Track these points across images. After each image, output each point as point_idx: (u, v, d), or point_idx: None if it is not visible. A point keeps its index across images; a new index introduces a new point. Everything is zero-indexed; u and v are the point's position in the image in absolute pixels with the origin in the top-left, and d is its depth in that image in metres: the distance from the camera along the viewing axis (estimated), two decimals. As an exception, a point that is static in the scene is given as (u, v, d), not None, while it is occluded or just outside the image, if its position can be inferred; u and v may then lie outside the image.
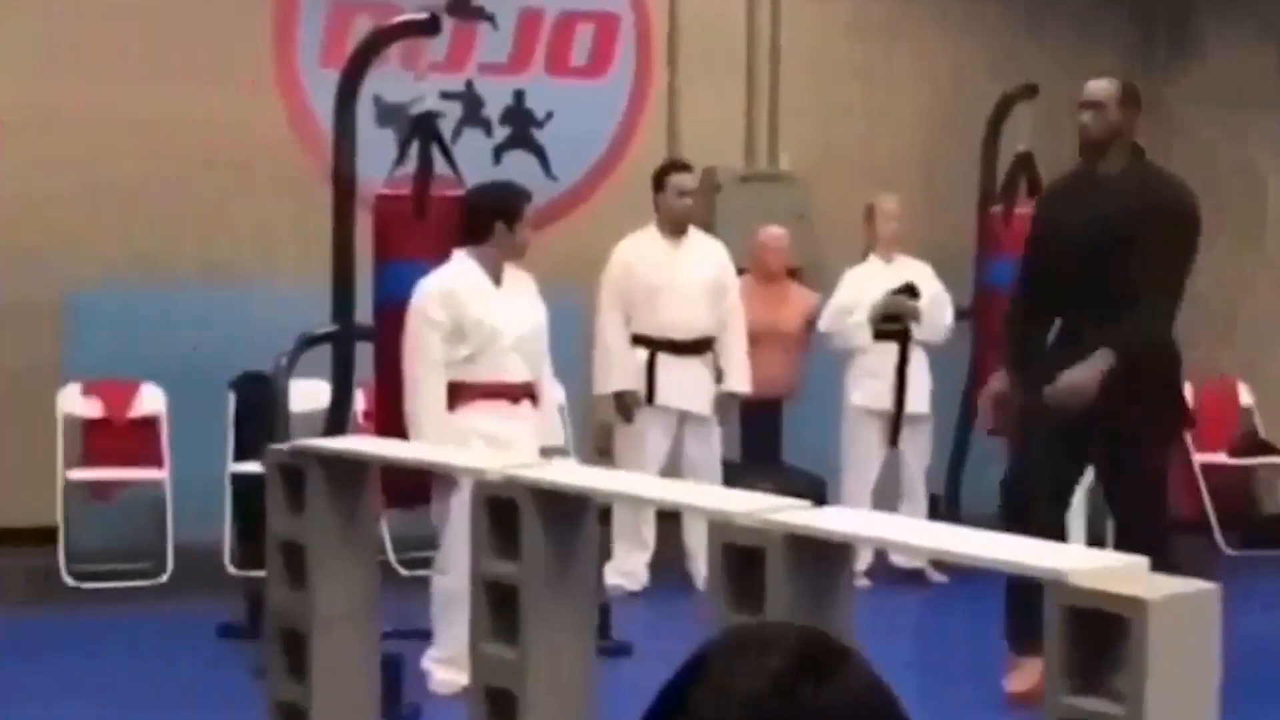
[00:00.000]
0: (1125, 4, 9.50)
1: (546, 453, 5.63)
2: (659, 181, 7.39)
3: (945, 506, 7.98)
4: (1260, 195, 9.06)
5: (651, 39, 8.82)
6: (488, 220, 5.72)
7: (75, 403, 7.63)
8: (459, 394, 5.69)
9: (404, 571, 7.22)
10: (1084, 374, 5.38)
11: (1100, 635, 2.80)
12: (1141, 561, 3.02)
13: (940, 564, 7.44)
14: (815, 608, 3.26)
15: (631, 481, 3.81)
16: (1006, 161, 7.98)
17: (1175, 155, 7.46)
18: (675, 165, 7.60)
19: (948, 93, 9.05)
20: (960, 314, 8.09)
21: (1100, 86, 5.61)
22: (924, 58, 9.15)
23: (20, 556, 7.45)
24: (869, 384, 7.61)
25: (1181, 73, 9.31)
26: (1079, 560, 3.09)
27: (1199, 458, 8.53)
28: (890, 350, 7.61)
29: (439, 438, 5.54)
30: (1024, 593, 4.70)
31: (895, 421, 7.61)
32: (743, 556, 3.32)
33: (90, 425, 7.66)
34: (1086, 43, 9.24)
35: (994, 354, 7.97)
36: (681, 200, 7.38)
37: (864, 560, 7.19)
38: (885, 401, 7.62)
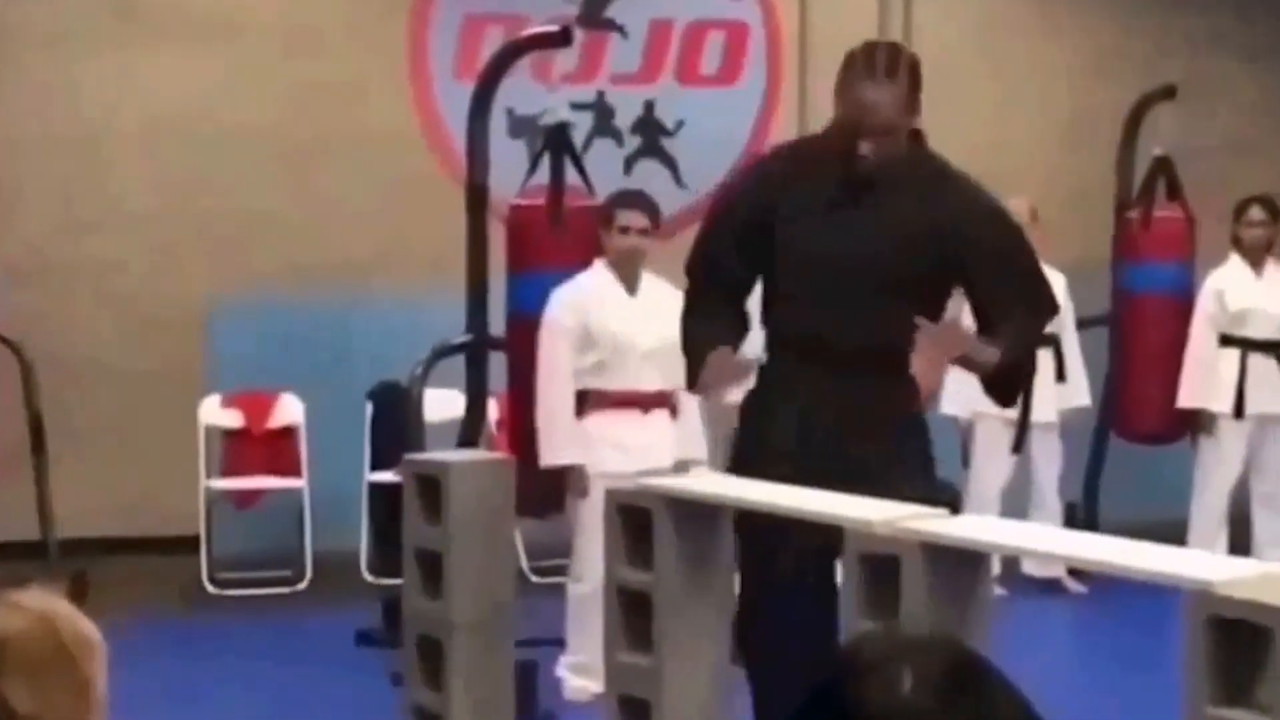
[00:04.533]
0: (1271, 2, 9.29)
1: (683, 464, 5.62)
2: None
3: (1083, 515, 7.86)
4: None
5: (781, 46, 8.79)
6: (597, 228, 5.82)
7: (216, 413, 7.76)
8: (589, 401, 5.72)
9: (535, 579, 7.26)
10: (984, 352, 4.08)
11: (1245, 646, 2.75)
12: (1288, 571, 2.95)
13: (1078, 573, 7.33)
14: (952, 617, 3.23)
15: (764, 490, 3.78)
16: (1144, 165, 7.85)
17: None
18: None
19: (1083, 94, 8.91)
20: (1097, 321, 7.96)
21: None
22: (1058, 59, 9.01)
23: (164, 564, 7.60)
24: None
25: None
26: (1225, 569, 3.02)
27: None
28: None
29: (567, 444, 5.58)
30: None
31: (1020, 428, 7.47)
32: (878, 565, 3.30)
33: (231, 435, 7.78)
34: (1227, 42, 9.06)
35: (1133, 361, 7.89)
36: None
37: (993, 568, 7.07)
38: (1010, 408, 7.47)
